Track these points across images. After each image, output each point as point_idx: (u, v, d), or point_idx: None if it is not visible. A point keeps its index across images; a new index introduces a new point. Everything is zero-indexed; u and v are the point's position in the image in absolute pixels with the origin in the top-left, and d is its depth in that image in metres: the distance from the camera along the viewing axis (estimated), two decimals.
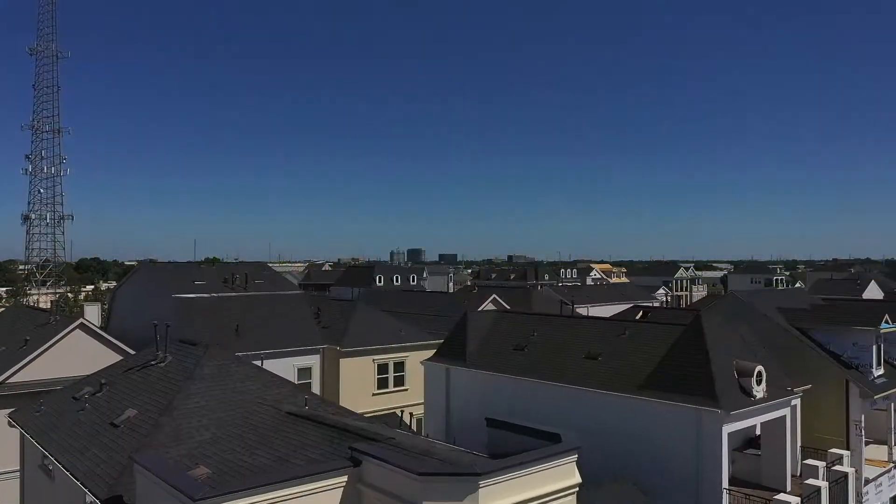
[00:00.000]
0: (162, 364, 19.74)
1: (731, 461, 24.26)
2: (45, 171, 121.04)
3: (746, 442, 27.17)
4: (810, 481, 22.31)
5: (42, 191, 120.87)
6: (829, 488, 22.33)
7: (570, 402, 25.35)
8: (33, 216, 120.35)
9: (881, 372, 27.67)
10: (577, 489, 13.77)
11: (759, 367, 23.57)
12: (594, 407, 24.22)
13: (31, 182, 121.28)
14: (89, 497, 15.48)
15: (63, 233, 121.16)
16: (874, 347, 27.16)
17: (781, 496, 21.22)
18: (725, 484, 22.04)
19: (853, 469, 24.24)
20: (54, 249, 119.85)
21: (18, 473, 22.42)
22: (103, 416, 18.27)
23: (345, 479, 13.36)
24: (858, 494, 25.09)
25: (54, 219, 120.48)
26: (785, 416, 24.81)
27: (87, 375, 22.36)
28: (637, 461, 22.79)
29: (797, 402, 25.87)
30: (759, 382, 23.44)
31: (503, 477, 12.48)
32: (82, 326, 29.50)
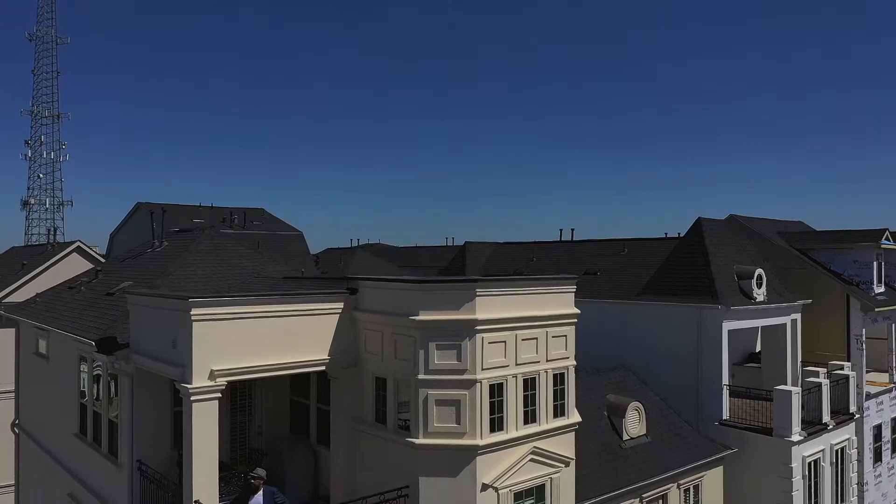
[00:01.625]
0: (158, 249, 19.60)
1: (731, 375, 24.07)
2: (45, 156, 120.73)
3: (747, 357, 27.03)
4: (811, 378, 22.12)
5: (41, 176, 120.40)
6: (830, 386, 22.14)
7: None
8: (32, 201, 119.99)
9: (882, 290, 27.51)
10: (575, 320, 13.62)
11: (759, 270, 23.42)
12: (594, 317, 23.97)
13: (30, 167, 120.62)
14: (83, 350, 15.34)
15: (63, 218, 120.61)
16: (875, 264, 27.00)
17: (782, 386, 21.03)
18: (726, 381, 21.89)
19: (854, 373, 24.05)
20: (54, 235, 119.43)
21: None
22: (98, 292, 18.13)
23: (341, 305, 13.21)
24: (860, 409, 24.89)
25: (54, 204, 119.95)
26: (785, 324, 24.65)
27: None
28: (639, 365, 22.57)
29: (797, 316, 25.71)
30: (759, 286, 23.28)
31: (501, 290, 12.34)
32: (79, 250, 29.40)
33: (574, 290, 13.61)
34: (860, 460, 24.72)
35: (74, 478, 16.26)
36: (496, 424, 12.25)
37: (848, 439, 22.97)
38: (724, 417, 21.64)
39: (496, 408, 12.26)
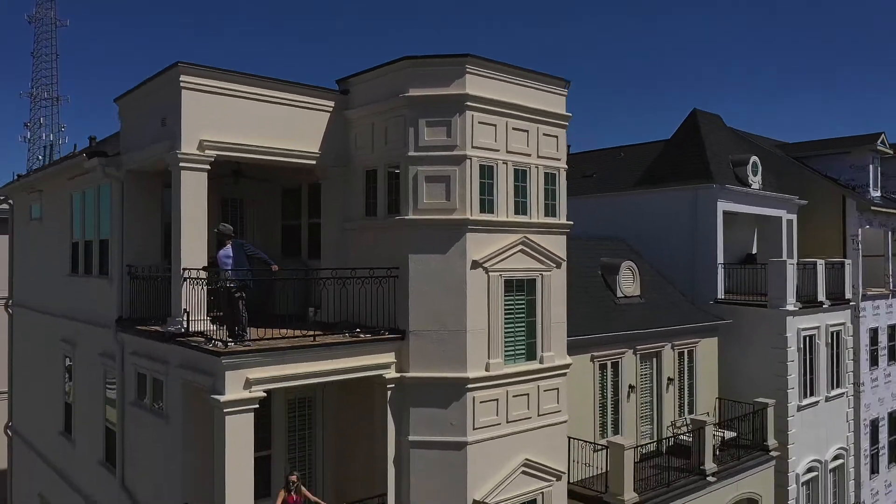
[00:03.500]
0: None
1: (727, 276, 23.99)
2: (44, 138, 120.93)
3: (743, 258, 26.96)
4: (807, 260, 22.09)
5: (41, 158, 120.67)
6: (826, 270, 22.08)
7: None
8: None
9: (878, 195, 27.47)
10: (566, 123, 13.55)
11: (754, 158, 23.43)
12: (590, 213, 23.93)
13: (29, 150, 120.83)
14: (75, 173, 15.31)
15: None
16: (871, 167, 26.98)
17: (777, 258, 21.01)
18: (721, 260, 21.86)
19: (850, 260, 24.00)
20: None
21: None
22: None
23: (331, 103, 13.15)
24: (856, 309, 24.81)
25: None
26: (781, 218, 24.65)
27: None
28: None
29: (794, 217, 25.70)
30: (754, 173, 23.28)
31: (492, 70, 12.24)
32: None
33: (566, 93, 13.58)
34: (856, 360, 24.62)
35: (68, 319, 16.20)
36: (486, 206, 12.21)
37: (843, 324, 22.93)
38: (720, 296, 21.61)
39: (486, 189, 12.21)
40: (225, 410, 10.08)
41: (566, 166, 13.61)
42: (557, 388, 13.35)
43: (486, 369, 12.13)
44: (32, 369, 19.60)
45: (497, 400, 12.33)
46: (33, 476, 19.22)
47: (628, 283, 18.79)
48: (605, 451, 15.59)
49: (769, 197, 23.65)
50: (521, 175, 12.75)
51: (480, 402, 12.07)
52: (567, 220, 13.56)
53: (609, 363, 17.23)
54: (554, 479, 13.22)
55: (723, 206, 21.78)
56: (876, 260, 28.72)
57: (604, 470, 15.62)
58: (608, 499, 15.00)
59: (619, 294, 18.52)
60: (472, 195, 11.96)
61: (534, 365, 12.89)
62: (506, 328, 12.52)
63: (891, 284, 27.79)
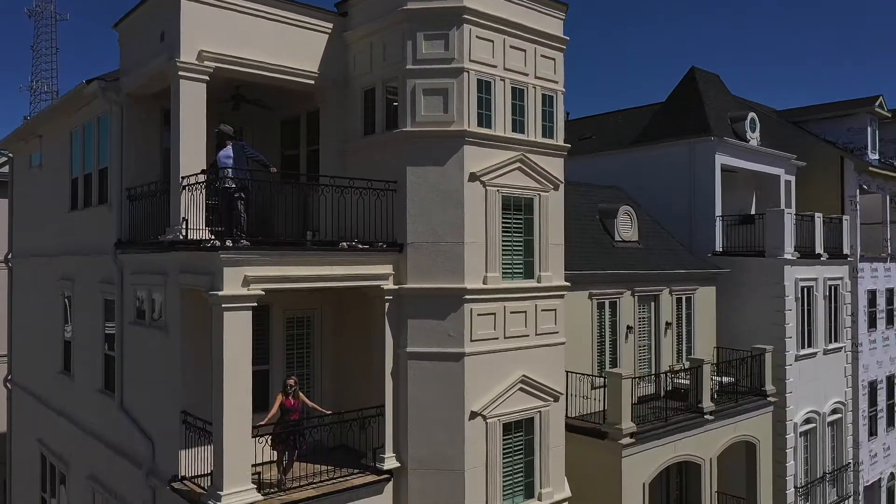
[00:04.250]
0: None
1: (725, 236, 24.03)
2: None
3: (741, 219, 27.00)
4: (805, 213, 22.15)
5: None
6: (824, 224, 22.15)
7: None
8: None
9: (876, 157, 27.52)
10: (563, 46, 13.60)
11: (752, 114, 23.50)
12: (588, 173, 23.97)
13: None
14: (76, 105, 15.36)
15: None
16: (869, 130, 27.03)
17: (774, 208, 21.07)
18: (718, 212, 21.92)
19: (848, 216, 24.05)
20: None
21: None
22: None
23: (330, 26, 13.21)
24: (855, 270, 24.87)
25: None
26: (779, 177, 24.70)
27: None
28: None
29: (792, 178, 25.77)
30: (752, 129, 23.36)
31: None
32: None
33: (564, 17, 13.64)
34: (854, 320, 24.68)
35: (68, 255, 16.24)
36: (484, 120, 12.26)
37: (841, 279, 22.98)
38: (717, 249, 21.67)
39: (484, 104, 12.26)
40: (223, 306, 10.11)
41: (563, 90, 13.66)
42: (555, 310, 13.38)
43: (484, 282, 12.17)
44: (32, 318, 19.63)
45: (495, 314, 12.36)
46: (32, 423, 19.25)
47: (626, 227, 18.85)
48: (603, 389, 15.67)
49: (767, 153, 23.72)
50: (518, 94, 12.80)
51: (478, 315, 12.10)
52: (565, 142, 13.62)
53: (607, 302, 17.28)
54: (551, 399, 13.24)
55: (721, 159, 21.85)
56: (874, 227, 28.80)
57: (602, 408, 15.68)
58: (606, 428, 15.06)
59: (618, 238, 18.58)
60: (469, 108, 12.01)
61: (531, 283, 12.93)
62: (504, 245, 12.54)
63: (889, 249, 27.87)
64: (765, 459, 18.81)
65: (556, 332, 13.44)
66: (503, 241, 12.55)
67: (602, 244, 18.13)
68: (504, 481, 12.51)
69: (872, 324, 26.26)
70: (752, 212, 26.96)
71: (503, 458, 12.49)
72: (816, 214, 21.82)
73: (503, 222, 12.54)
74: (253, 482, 10.47)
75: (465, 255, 11.97)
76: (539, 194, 13.09)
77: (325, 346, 13.45)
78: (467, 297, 11.95)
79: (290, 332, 13.05)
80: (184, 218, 11.22)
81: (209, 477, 10.72)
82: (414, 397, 11.92)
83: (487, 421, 12.17)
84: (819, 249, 21.63)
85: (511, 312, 12.62)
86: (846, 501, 23.05)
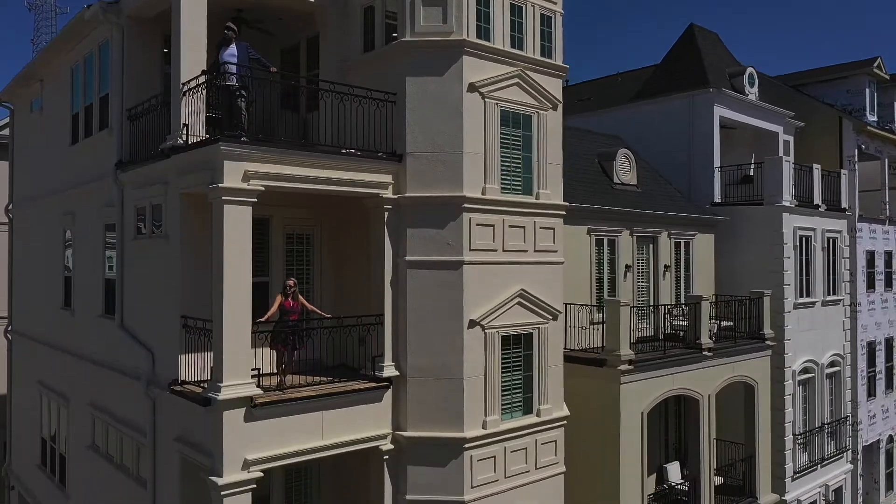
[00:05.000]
0: None
1: (724, 193, 24.13)
2: None
3: (741, 180, 27.06)
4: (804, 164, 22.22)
5: None
6: (822, 177, 22.20)
7: None
8: None
9: (874, 119, 27.61)
10: None
11: (751, 69, 23.57)
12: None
13: None
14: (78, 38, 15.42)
15: None
16: (867, 91, 27.14)
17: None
18: (717, 164, 22.00)
19: (847, 171, 24.11)
20: None
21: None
22: None
23: None
24: (853, 229, 24.91)
25: None
26: (777, 134, 24.78)
27: None
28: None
29: (790, 138, 25.86)
30: (751, 84, 23.44)
31: None
32: None
33: None
34: (853, 280, 24.72)
35: (70, 188, 16.29)
36: (482, 32, 12.32)
37: (839, 233, 23.05)
38: (716, 200, 21.74)
39: (483, 17, 12.32)
40: (223, 198, 10.17)
41: (562, 12, 13.73)
42: (553, 229, 13.43)
43: (483, 193, 12.23)
44: (32, 264, 19.68)
45: (493, 226, 12.40)
46: (32, 366, 19.31)
47: (625, 170, 18.92)
48: (601, 326, 15.70)
49: (766, 109, 23.80)
50: (517, 10, 12.87)
51: (477, 225, 12.15)
52: (560, 61, 13.67)
53: (606, 239, 17.34)
54: (550, 317, 13.30)
55: (719, 111, 21.93)
56: (873, 194, 28.87)
57: (601, 343, 15.71)
58: (605, 356, 15.11)
59: (616, 181, 18.65)
60: (468, 19, 12.07)
61: (530, 199, 12.99)
62: (503, 160, 12.59)
63: (888, 211, 27.95)
64: (763, 404, 18.85)
65: (555, 251, 13.50)
66: (502, 156, 12.61)
67: (601, 185, 18.20)
68: (503, 394, 12.58)
69: (871, 285, 26.30)
70: (751, 172, 27.11)
71: (502, 372, 12.55)
72: (815, 166, 21.90)
73: (502, 137, 12.59)
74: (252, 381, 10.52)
75: (464, 165, 12.03)
76: (538, 112, 13.15)
77: (324, 262, 13.51)
78: (466, 205, 12.00)
79: (290, 247, 13.12)
80: (184, 124, 11.28)
81: (208, 383, 10.74)
82: (413, 306, 11.97)
83: (486, 331, 12.23)
84: (817, 200, 21.69)
85: (510, 227, 12.67)
86: (845, 455, 23.09)
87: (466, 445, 11.91)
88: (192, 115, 11.40)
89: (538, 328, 13.12)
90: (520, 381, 12.92)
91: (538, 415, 13.08)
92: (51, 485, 17.71)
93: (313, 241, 13.39)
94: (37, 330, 19.02)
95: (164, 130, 12.14)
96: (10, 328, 21.65)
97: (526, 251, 12.96)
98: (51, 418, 17.92)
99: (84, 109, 15.74)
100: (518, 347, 12.84)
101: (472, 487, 12.01)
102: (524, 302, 12.83)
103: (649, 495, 16.22)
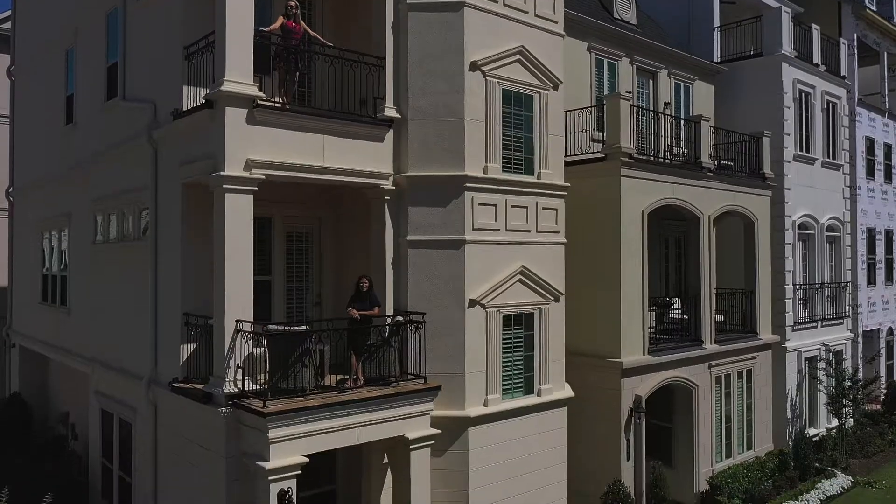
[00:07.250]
0: None
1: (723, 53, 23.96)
2: None
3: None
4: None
5: None
6: (821, 38, 22.27)
7: None
8: None
9: (874, 8, 27.67)
10: None
11: None
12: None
13: None
14: None
15: None
16: None
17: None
18: (717, 23, 22.07)
19: (845, 41, 24.17)
20: None
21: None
22: None
23: None
24: (852, 112, 24.96)
25: None
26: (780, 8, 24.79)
27: None
28: None
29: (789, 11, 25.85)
30: None
31: None
32: None
33: None
34: (853, 164, 24.74)
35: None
36: None
37: (839, 99, 23.18)
38: (716, 59, 21.78)
39: None
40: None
41: None
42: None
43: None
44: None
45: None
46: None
47: (625, 7, 18.98)
48: (600, 143, 15.60)
49: None
50: None
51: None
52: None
53: (606, 62, 17.39)
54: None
55: None
56: (873, 97, 28.88)
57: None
58: (605, 150, 15.13)
59: (616, 16, 18.71)
60: None
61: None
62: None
63: (887, 104, 28.02)
64: (763, 245, 18.84)
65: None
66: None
67: (600, 17, 18.22)
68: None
69: (871, 172, 26.33)
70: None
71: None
72: (814, 26, 21.98)
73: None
74: None
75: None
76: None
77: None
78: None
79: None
80: None
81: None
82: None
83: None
84: (817, 59, 21.76)
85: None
86: (844, 322, 23.07)
87: (468, 188, 11.92)
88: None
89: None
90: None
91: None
92: (52, 317, 17.69)
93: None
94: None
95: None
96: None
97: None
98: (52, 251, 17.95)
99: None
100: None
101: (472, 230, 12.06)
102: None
103: (650, 328, 15.89)
